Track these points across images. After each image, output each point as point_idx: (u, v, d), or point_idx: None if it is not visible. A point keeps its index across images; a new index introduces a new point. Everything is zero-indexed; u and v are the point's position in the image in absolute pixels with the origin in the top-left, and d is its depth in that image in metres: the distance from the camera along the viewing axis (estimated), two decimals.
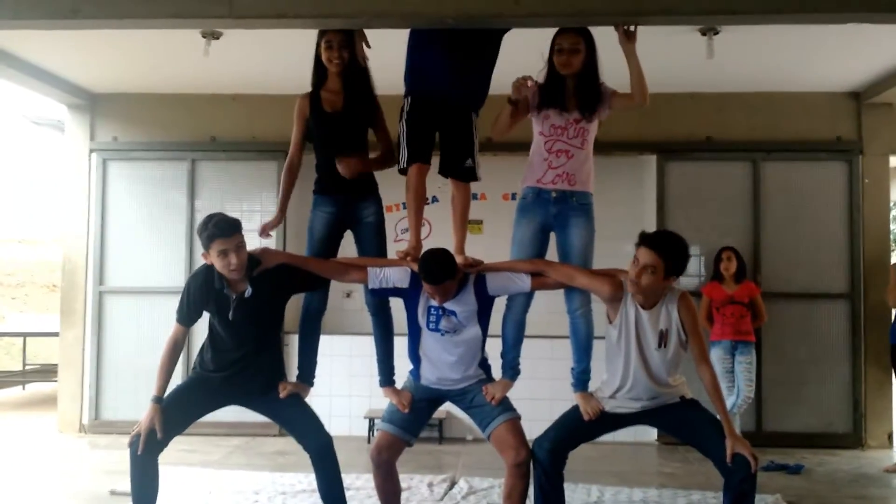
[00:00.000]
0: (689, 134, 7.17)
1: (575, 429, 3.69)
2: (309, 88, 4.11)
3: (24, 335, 11.65)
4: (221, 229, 3.58)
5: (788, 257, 7.06)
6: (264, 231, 4.08)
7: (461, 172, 4.02)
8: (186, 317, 3.77)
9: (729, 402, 6.07)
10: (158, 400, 3.63)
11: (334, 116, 4.01)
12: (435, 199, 6.67)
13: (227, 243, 3.57)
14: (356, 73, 4.05)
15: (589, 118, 3.83)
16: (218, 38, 5.70)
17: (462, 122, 3.97)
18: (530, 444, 3.65)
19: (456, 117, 3.93)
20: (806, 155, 7.13)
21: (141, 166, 7.53)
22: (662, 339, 3.59)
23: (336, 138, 4.03)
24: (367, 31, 4.10)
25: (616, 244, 5.91)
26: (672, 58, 5.98)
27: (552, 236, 3.94)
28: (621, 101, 3.87)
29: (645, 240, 3.55)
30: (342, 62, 3.99)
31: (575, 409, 3.74)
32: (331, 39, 3.98)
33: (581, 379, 3.84)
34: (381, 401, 4.01)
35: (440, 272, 3.58)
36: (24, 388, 10.57)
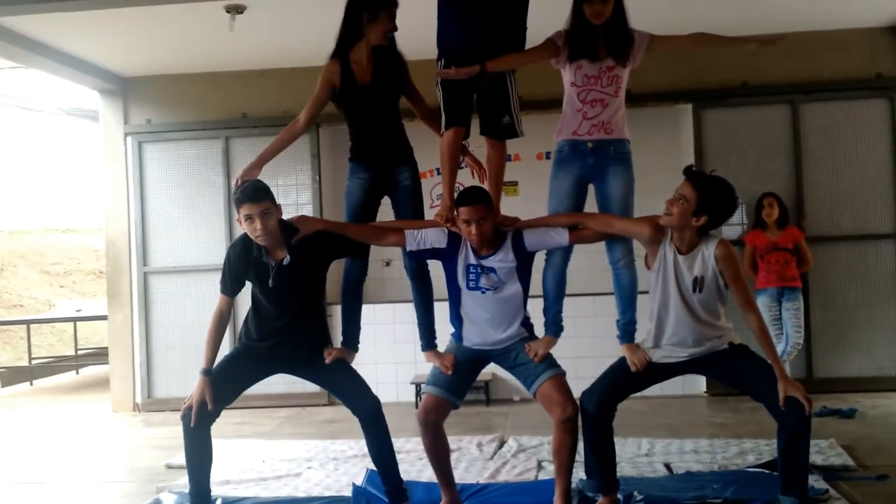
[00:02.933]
0: (725, 80, 7.02)
1: (622, 380, 3.68)
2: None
3: (75, 320, 11.90)
4: (247, 194, 3.61)
5: (832, 200, 6.93)
6: (237, 184, 3.98)
7: (499, 130, 3.98)
8: (230, 287, 3.80)
9: (778, 349, 5.96)
10: (207, 372, 3.68)
11: (365, 88, 3.95)
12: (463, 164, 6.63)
13: (252, 208, 3.59)
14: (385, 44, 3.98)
15: (623, 64, 3.75)
16: (242, 13, 5.69)
17: (497, 78, 3.88)
18: (577, 400, 3.64)
19: (490, 74, 3.83)
20: (846, 94, 6.96)
21: (176, 147, 7.60)
22: (697, 284, 3.55)
23: (369, 110, 4.00)
24: None
25: (654, 198, 5.73)
26: (703, 0, 5.84)
27: (590, 190, 3.89)
28: (667, 43, 3.85)
29: (687, 172, 3.56)
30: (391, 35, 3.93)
31: (622, 361, 3.72)
32: (393, 11, 3.90)
33: (626, 330, 3.81)
34: (426, 366, 4.01)
35: (476, 194, 3.63)
36: (77, 372, 10.83)
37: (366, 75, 3.95)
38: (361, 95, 3.97)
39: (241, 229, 3.74)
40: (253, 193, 3.61)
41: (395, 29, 3.92)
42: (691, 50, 4.98)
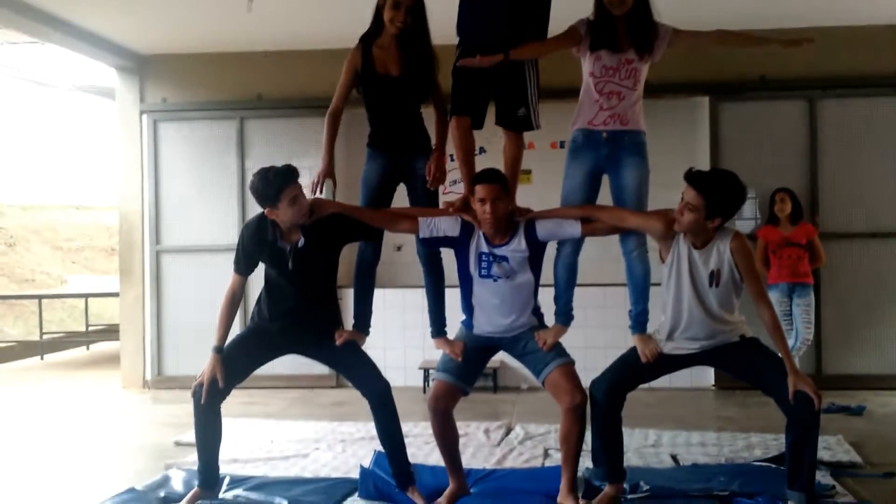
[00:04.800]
0: (743, 73, 6.98)
1: (632, 370, 3.67)
2: (355, 40, 4.01)
3: (86, 296, 11.97)
4: (290, 177, 3.64)
5: (847, 197, 6.90)
6: (316, 184, 4.04)
7: (514, 121, 3.95)
8: (243, 266, 3.82)
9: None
10: (219, 350, 3.70)
11: (387, 81, 3.93)
12: (482, 151, 6.60)
13: (296, 188, 3.64)
14: (415, 39, 3.92)
15: (643, 58, 3.72)
16: None
17: (515, 68, 3.84)
18: (586, 389, 3.65)
19: (509, 64, 3.77)
20: (864, 91, 6.93)
21: (191, 126, 7.63)
22: (714, 278, 3.54)
23: (389, 98, 3.98)
24: None
25: (668, 191, 5.74)
26: None
27: (604, 181, 3.87)
28: (690, 39, 3.81)
29: (688, 177, 3.49)
30: (404, 27, 3.86)
31: (633, 350, 3.71)
32: (399, 1, 3.85)
33: (639, 321, 3.81)
34: (435, 352, 4.02)
35: (493, 174, 3.64)
36: (88, 349, 10.91)
37: (389, 65, 3.94)
38: (382, 83, 3.95)
39: (253, 210, 3.74)
40: (292, 174, 3.65)
41: (402, 21, 3.84)
42: (713, 47, 4.96)
